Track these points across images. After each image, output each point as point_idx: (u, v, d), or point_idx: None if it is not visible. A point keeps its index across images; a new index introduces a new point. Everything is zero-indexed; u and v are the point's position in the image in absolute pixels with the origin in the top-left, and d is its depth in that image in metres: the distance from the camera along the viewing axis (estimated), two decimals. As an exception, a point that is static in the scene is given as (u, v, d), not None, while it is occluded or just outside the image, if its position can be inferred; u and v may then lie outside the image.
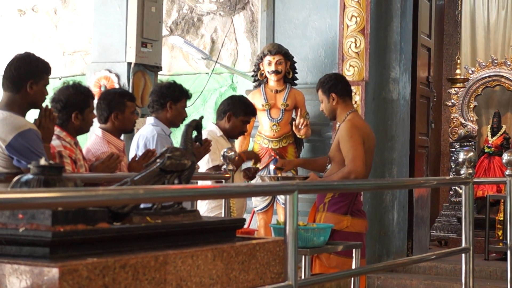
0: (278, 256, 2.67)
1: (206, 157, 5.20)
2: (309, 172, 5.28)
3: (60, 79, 8.77)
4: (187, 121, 3.26)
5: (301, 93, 6.52)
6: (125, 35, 6.62)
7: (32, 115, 3.93)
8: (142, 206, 2.66)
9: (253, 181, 5.73)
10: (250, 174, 5.70)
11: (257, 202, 6.40)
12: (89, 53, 8.44)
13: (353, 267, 4.43)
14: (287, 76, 6.52)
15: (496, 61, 9.22)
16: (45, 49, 9.50)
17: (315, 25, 7.03)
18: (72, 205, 2.09)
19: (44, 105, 3.94)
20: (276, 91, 6.49)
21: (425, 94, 7.46)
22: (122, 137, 4.83)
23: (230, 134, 5.55)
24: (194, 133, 2.90)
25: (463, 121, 9.31)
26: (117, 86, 6.50)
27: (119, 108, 4.64)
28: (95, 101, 4.51)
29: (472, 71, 9.33)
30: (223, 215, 4.67)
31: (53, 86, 4.51)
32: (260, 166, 6.31)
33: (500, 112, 9.36)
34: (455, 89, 9.34)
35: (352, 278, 4.31)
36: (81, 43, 9.51)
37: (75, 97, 4.25)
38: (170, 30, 9.10)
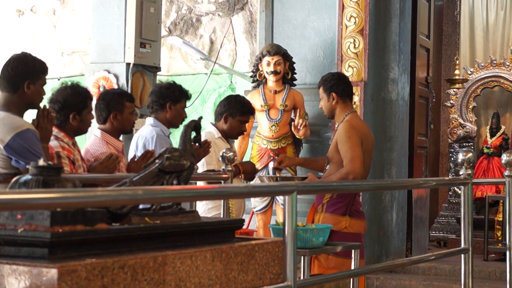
0: (277, 257, 2.67)
1: (202, 159, 5.19)
2: (307, 172, 5.28)
3: (58, 79, 8.76)
4: (186, 121, 3.26)
5: (300, 94, 6.52)
6: (124, 35, 6.62)
7: (30, 115, 3.92)
8: (141, 206, 2.66)
9: (252, 182, 5.73)
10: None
11: (256, 203, 6.40)
12: (88, 53, 8.44)
13: (352, 267, 4.43)
14: (286, 77, 6.52)
15: (495, 62, 9.22)
16: (43, 49, 9.49)
17: (314, 26, 7.03)
18: (71, 206, 2.08)
19: (42, 105, 3.94)
20: (275, 92, 6.49)
21: (424, 95, 7.46)
22: (121, 137, 4.82)
23: (229, 135, 5.54)
24: (193, 134, 2.90)
25: (462, 121, 9.31)
26: (116, 86, 6.50)
27: (117, 109, 4.64)
28: (94, 102, 4.51)
29: (471, 71, 9.33)
30: (222, 216, 4.67)
31: (51, 86, 4.50)
32: (259, 166, 6.31)
33: (499, 112, 9.36)
34: (454, 89, 9.35)
35: (351, 279, 4.31)
36: (79, 44, 9.50)
37: (73, 98, 4.25)
38: (169, 31, 9.10)
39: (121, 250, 2.27)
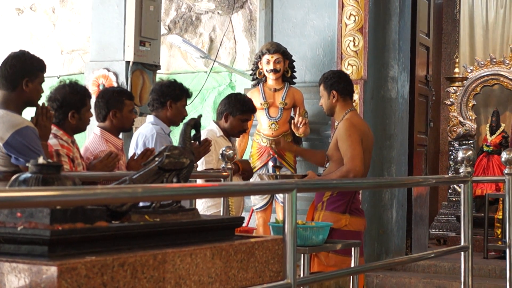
0: (277, 255, 2.67)
1: (202, 158, 5.19)
2: (307, 170, 5.28)
3: (58, 77, 8.76)
4: (186, 120, 3.26)
5: (299, 92, 6.51)
6: (124, 33, 6.62)
7: (28, 113, 3.92)
8: (140, 204, 2.65)
9: (251, 180, 5.73)
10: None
11: (256, 201, 6.39)
12: (88, 51, 8.43)
13: (352, 265, 4.43)
14: (286, 75, 6.52)
15: (494, 60, 9.23)
16: (43, 47, 9.49)
17: (314, 24, 7.02)
18: (71, 204, 2.08)
19: (40, 103, 3.94)
20: (275, 90, 6.48)
21: (423, 93, 7.46)
22: (120, 135, 4.82)
23: (230, 133, 5.54)
24: (193, 132, 2.90)
25: (461, 119, 9.31)
26: (115, 84, 6.49)
27: (117, 107, 4.64)
28: (93, 100, 4.50)
29: (470, 69, 9.33)
30: (221, 214, 4.67)
31: (51, 84, 4.50)
32: (258, 164, 6.31)
33: (499, 110, 9.36)
34: (454, 87, 9.35)
35: (351, 277, 4.31)
36: (79, 42, 9.50)
37: (72, 96, 4.24)
38: (169, 29, 9.10)
39: (121, 248, 2.27)
